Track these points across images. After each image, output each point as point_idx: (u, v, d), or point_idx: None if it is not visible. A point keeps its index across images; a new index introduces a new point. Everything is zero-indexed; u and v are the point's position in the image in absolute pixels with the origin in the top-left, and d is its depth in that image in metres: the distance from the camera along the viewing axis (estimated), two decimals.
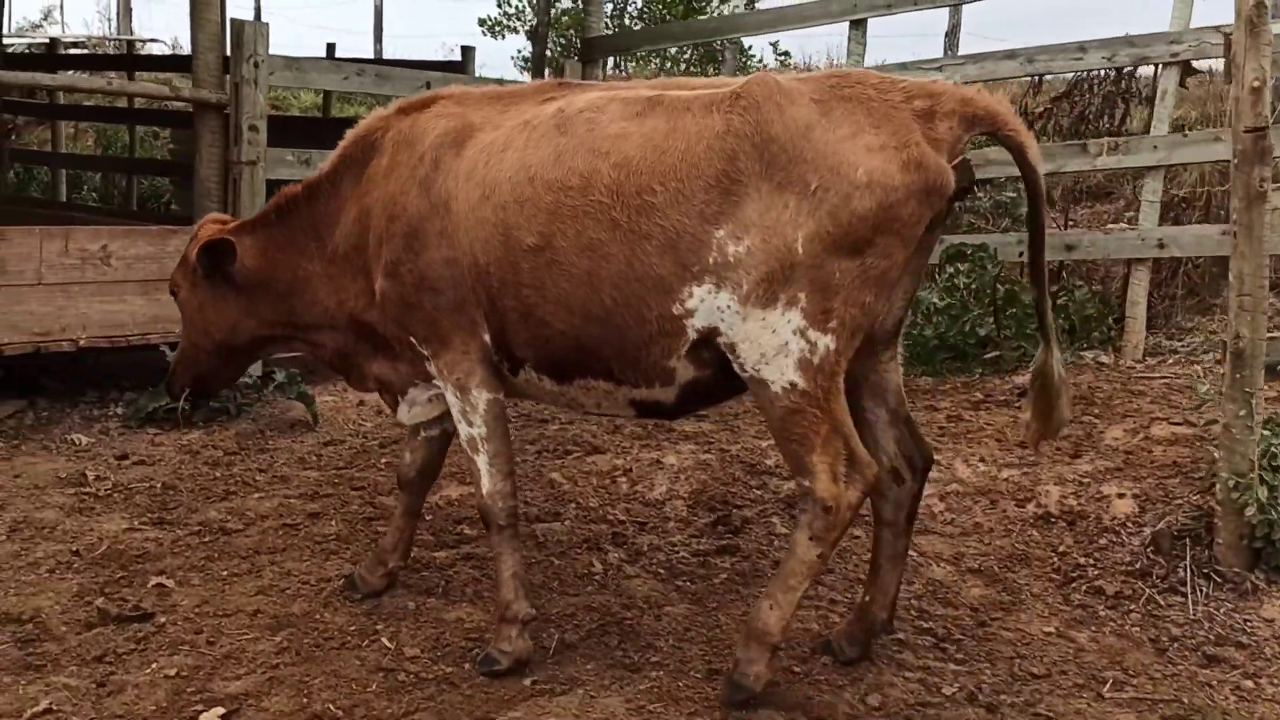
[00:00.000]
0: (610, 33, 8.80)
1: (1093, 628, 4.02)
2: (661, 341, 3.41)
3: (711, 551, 4.65)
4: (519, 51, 22.48)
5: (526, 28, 22.36)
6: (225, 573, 4.46)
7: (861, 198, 3.17)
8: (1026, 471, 5.16)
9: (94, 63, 13.92)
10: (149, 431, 6.29)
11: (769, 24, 8.08)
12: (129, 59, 13.74)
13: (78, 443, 6.04)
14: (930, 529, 4.79)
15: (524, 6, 22.20)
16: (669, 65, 18.99)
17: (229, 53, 6.67)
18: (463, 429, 3.80)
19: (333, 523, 5.02)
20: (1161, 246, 6.87)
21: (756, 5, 17.59)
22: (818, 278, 3.20)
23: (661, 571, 4.50)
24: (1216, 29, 6.54)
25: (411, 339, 3.84)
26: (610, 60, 9.56)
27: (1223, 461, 4.24)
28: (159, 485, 5.44)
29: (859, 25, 7.77)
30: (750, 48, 18.78)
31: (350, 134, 4.18)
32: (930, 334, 7.25)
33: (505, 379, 3.81)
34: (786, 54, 19.23)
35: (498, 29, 22.89)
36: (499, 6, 22.28)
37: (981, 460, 5.28)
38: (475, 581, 4.40)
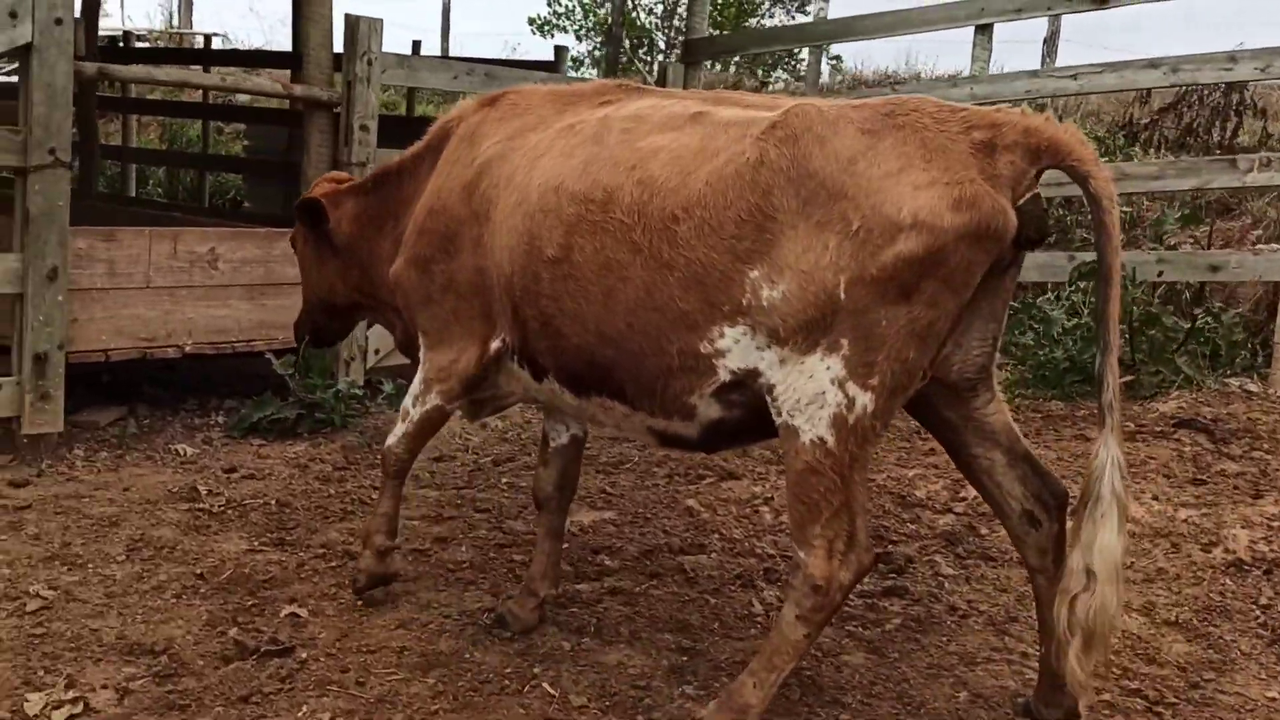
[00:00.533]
0: (715, 34, 8.46)
1: None
2: (683, 377, 3.20)
3: (878, 593, 4.32)
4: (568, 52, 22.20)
5: (575, 27, 22.15)
6: (359, 602, 4.18)
7: (907, 240, 2.85)
8: (1206, 512, 4.79)
9: (166, 57, 13.72)
10: (253, 443, 6.05)
11: (889, 27, 7.73)
12: (204, 54, 13.54)
13: (182, 453, 5.80)
14: None
15: (574, 6, 21.99)
16: (718, 69, 18.62)
17: (336, 49, 6.43)
18: (407, 399, 3.99)
19: (462, 548, 4.74)
20: None
21: (823, 11, 17.18)
22: (861, 324, 2.91)
23: None
24: None
25: (415, 324, 4.00)
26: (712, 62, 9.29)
27: None
28: (273, 502, 5.18)
29: (985, 30, 7.42)
30: (799, 51, 18.28)
31: (439, 119, 4.24)
32: (1060, 355, 6.89)
33: (491, 391, 3.92)
34: (838, 58, 18.72)
35: (546, 28, 22.70)
36: (548, 5, 22.10)
37: (1155, 498, 4.91)
38: (629, 620, 4.09)
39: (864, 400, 2.95)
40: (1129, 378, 6.76)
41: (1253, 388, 6.54)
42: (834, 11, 14.47)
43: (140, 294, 5.70)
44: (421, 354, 4.00)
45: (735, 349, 3.10)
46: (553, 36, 23.19)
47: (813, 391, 2.98)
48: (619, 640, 3.94)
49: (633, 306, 3.24)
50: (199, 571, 4.37)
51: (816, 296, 2.93)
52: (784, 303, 2.97)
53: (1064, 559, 3.25)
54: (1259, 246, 7.29)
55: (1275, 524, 4.61)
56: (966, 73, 7.46)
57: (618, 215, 3.26)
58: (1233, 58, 6.66)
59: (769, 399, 3.07)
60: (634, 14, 20.21)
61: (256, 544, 4.71)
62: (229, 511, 5.06)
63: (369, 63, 6.22)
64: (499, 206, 3.61)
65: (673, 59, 10.73)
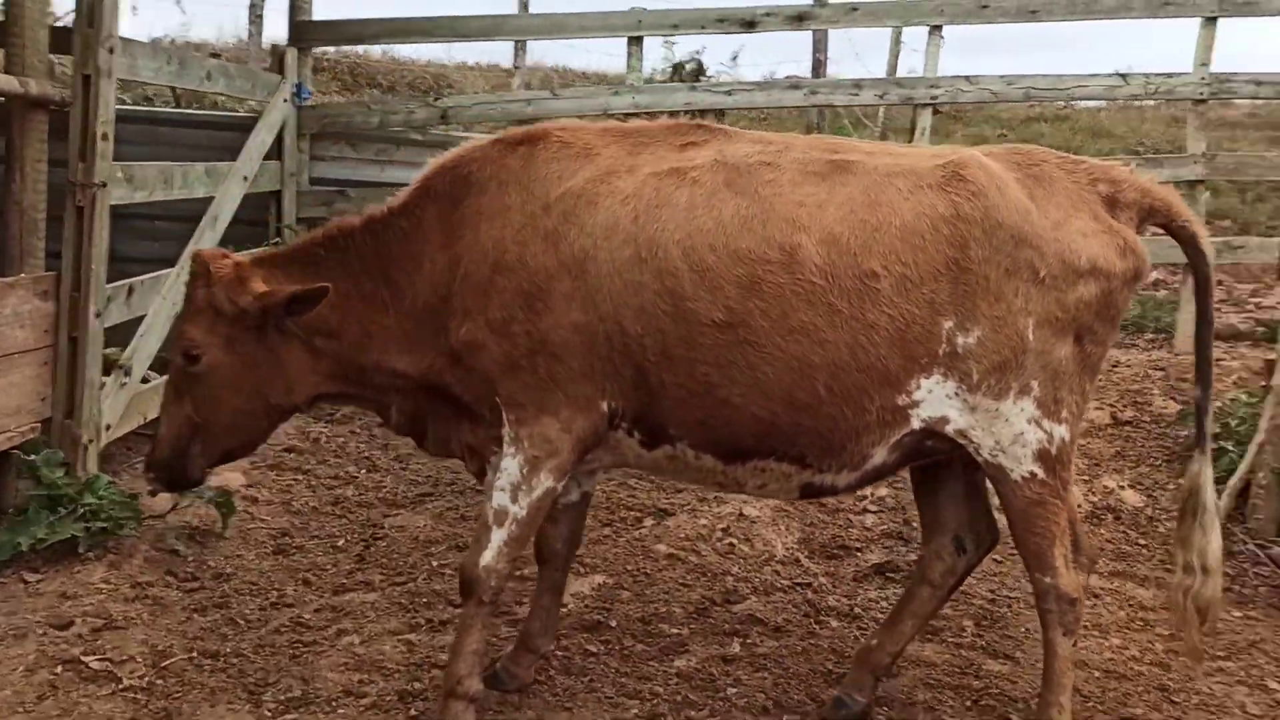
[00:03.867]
0: (335, 19, 7.37)
1: None
2: (877, 431, 3.34)
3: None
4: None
5: None
6: None
7: (1086, 284, 3.29)
8: None
9: None
10: (26, 579, 4.30)
11: (545, 30, 7.46)
12: None
13: None
14: None
15: None
16: None
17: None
18: (499, 497, 3.42)
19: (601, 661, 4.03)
20: None
21: None
22: (1048, 365, 3.29)
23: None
24: (967, 79, 7.68)
25: (497, 399, 3.43)
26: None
27: None
28: (197, 654, 3.87)
29: (637, 43, 7.67)
30: None
31: (434, 164, 3.70)
32: None
33: (610, 455, 3.56)
34: None
35: None
36: None
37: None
38: (779, 684, 3.91)
39: (1060, 432, 3.36)
40: None
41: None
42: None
43: None
44: (511, 431, 3.41)
45: (929, 398, 3.31)
46: None
47: (1011, 434, 3.29)
48: (809, 706, 3.77)
49: (834, 371, 3.24)
50: None
51: (1010, 339, 3.26)
52: (979, 347, 3.25)
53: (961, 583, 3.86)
54: None
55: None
56: (628, 80, 7.65)
57: (807, 276, 3.22)
58: (858, 84, 7.77)
59: (962, 442, 3.32)
60: None
61: (266, 714, 3.55)
62: (161, 683, 3.68)
63: (111, 50, 4.64)
64: (599, 259, 3.31)
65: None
